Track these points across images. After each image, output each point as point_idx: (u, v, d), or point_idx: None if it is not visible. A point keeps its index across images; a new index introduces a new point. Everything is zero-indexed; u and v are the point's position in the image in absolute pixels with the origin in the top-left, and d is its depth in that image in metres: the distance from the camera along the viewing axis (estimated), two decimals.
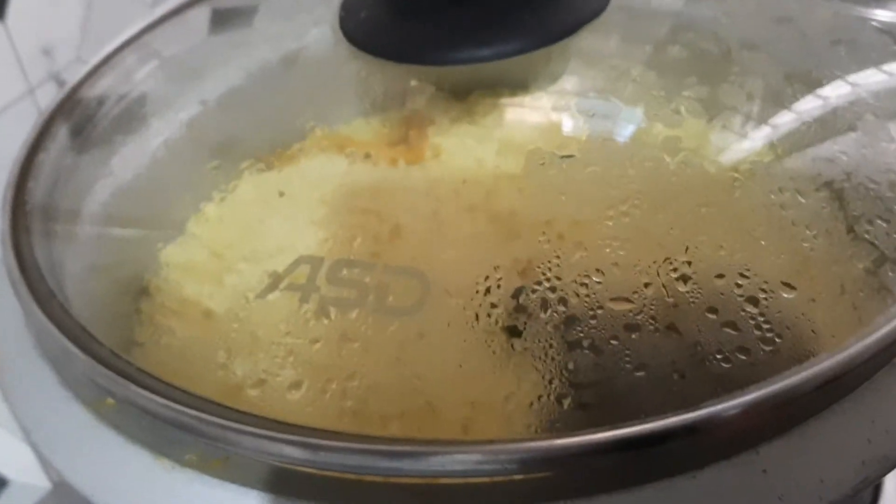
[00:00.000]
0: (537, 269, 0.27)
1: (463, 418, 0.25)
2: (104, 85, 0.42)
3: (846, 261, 0.28)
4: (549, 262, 0.28)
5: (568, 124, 0.36)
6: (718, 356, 0.25)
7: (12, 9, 0.44)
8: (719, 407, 0.22)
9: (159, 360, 0.34)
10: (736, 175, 0.30)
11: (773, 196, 0.29)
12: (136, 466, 0.26)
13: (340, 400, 0.26)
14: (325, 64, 0.45)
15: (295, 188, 0.41)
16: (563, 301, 0.27)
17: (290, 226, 0.39)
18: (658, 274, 0.27)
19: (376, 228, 0.38)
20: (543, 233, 0.29)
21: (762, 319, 0.26)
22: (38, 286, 0.30)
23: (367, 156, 0.44)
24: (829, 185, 0.30)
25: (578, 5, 0.33)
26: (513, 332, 0.27)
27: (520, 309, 0.27)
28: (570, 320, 0.26)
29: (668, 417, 0.22)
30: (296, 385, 0.27)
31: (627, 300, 0.26)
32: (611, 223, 0.28)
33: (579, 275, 0.27)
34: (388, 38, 0.34)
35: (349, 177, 0.42)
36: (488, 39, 0.32)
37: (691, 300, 0.26)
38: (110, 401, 0.28)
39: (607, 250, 0.28)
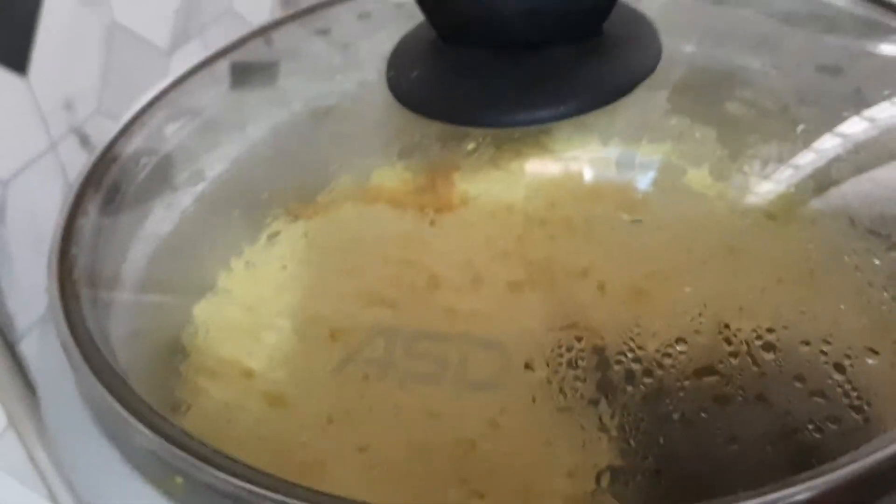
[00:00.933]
0: (619, 339, 0.27)
1: (554, 499, 0.25)
2: (135, 144, 0.42)
3: None
4: (631, 330, 0.27)
5: (617, 175, 0.35)
6: (810, 426, 0.25)
7: (34, 61, 0.43)
8: (818, 480, 0.22)
9: (207, 428, 0.33)
10: (807, 236, 0.29)
11: (846, 258, 0.29)
12: None
13: (427, 480, 0.26)
14: (350, 114, 0.44)
15: (324, 239, 0.41)
16: (648, 372, 0.26)
17: (322, 278, 0.38)
18: (744, 342, 0.26)
19: (413, 279, 0.37)
20: (624, 301, 0.29)
21: (849, 387, 0.25)
22: (94, 359, 0.30)
23: (397, 205, 0.43)
24: None
25: (632, 63, 0.33)
26: (599, 405, 0.26)
27: (606, 382, 0.26)
28: (658, 393, 0.26)
29: (768, 493, 0.21)
30: (378, 465, 0.26)
31: (715, 371, 0.26)
32: (688, 288, 0.28)
33: (663, 344, 0.27)
34: (442, 99, 0.34)
35: (380, 227, 0.41)
36: (547, 101, 0.32)
37: (778, 369, 0.26)
38: (179, 480, 0.27)
39: (688, 318, 0.27)
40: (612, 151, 0.42)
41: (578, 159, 0.44)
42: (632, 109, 0.38)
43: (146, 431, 0.26)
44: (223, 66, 0.48)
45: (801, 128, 0.34)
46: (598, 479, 0.25)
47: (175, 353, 0.36)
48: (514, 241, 0.39)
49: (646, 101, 0.37)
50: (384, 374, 0.30)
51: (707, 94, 0.36)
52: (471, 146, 0.45)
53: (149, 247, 0.39)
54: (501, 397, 0.27)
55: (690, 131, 0.34)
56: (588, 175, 0.42)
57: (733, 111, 0.35)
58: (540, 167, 0.44)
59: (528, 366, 0.28)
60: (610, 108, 0.37)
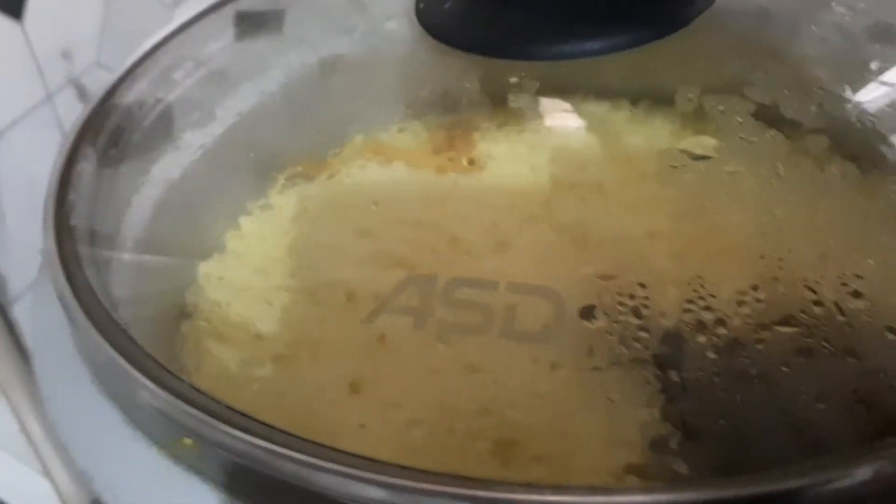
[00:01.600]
0: (688, 286, 0.24)
1: (615, 463, 0.22)
2: (137, 92, 0.39)
3: None
4: (700, 277, 0.24)
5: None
6: None
7: (31, 8, 0.40)
8: None
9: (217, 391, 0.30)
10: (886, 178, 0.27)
11: None
12: None
13: (470, 441, 0.23)
14: (363, 68, 0.41)
15: (337, 199, 0.38)
16: (721, 322, 0.23)
17: (337, 239, 0.36)
18: (828, 290, 0.23)
19: (433, 241, 0.34)
20: (690, 250, 0.26)
21: None
22: (94, 310, 0.27)
23: (414, 164, 0.41)
24: None
25: None
26: (666, 361, 0.23)
27: (673, 334, 0.23)
28: (733, 345, 0.23)
29: (860, 458, 0.18)
30: (415, 423, 0.24)
31: (796, 321, 0.23)
32: (762, 233, 0.25)
33: (737, 292, 0.24)
34: (481, 30, 0.31)
35: (397, 186, 0.39)
36: (598, 31, 0.29)
37: (867, 319, 0.23)
38: (188, 440, 0.24)
39: (763, 263, 0.25)
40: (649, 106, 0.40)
41: (607, 119, 0.41)
42: (673, 57, 0.36)
43: (152, 387, 0.23)
44: (228, 14, 0.45)
45: (876, 68, 0.31)
46: (665, 443, 0.22)
47: (179, 315, 0.33)
48: (541, 204, 0.36)
49: (687, 46, 0.34)
50: (414, 326, 0.27)
51: (763, 35, 0.33)
52: (493, 106, 0.43)
53: (151, 201, 0.36)
54: (553, 350, 0.24)
55: (750, 73, 0.31)
56: (619, 136, 0.40)
57: (800, 52, 0.32)
58: (567, 127, 0.42)
59: (583, 314, 0.25)
60: (646, 57, 0.34)
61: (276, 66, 0.41)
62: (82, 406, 0.26)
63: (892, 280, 0.24)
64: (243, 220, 0.37)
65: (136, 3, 0.48)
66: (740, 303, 0.24)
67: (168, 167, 0.37)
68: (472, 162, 0.41)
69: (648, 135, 0.40)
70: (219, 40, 0.44)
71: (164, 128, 0.38)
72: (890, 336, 0.23)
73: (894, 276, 0.24)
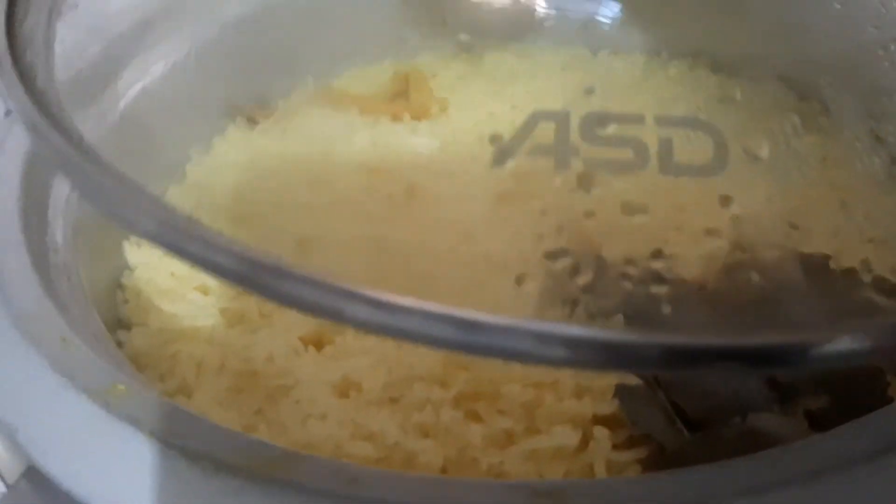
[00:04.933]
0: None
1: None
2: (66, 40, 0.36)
3: None
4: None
5: None
6: None
7: None
8: None
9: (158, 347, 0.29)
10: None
11: None
12: (160, 468, 0.20)
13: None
14: (313, 9, 0.39)
15: (288, 147, 0.36)
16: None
17: (286, 187, 0.34)
18: None
19: (389, 189, 0.33)
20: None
21: None
22: None
23: (367, 111, 0.39)
24: None
25: None
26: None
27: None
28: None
29: None
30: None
31: None
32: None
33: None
34: None
35: (350, 134, 0.37)
36: None
37: None
38: (121, 386, 0.22)
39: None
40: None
41: (569, 66, 0.40)
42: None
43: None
44: None
45: None
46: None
47: (121, 268, 0.32)
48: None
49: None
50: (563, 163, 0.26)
51: None
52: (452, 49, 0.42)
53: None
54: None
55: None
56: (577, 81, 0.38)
57: None
58: (524, 76, 0.40)
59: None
60: None
61: (221, 7, 0.38)
62: (4, 354, 0.24)
63: None
64: (188, 168, 0.36)
65: None
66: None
67: (105, 115, 0.34)
68: (428, 109, 0.39)
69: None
70: None
71: (105, 71, 0.35)
72: None
73: None
